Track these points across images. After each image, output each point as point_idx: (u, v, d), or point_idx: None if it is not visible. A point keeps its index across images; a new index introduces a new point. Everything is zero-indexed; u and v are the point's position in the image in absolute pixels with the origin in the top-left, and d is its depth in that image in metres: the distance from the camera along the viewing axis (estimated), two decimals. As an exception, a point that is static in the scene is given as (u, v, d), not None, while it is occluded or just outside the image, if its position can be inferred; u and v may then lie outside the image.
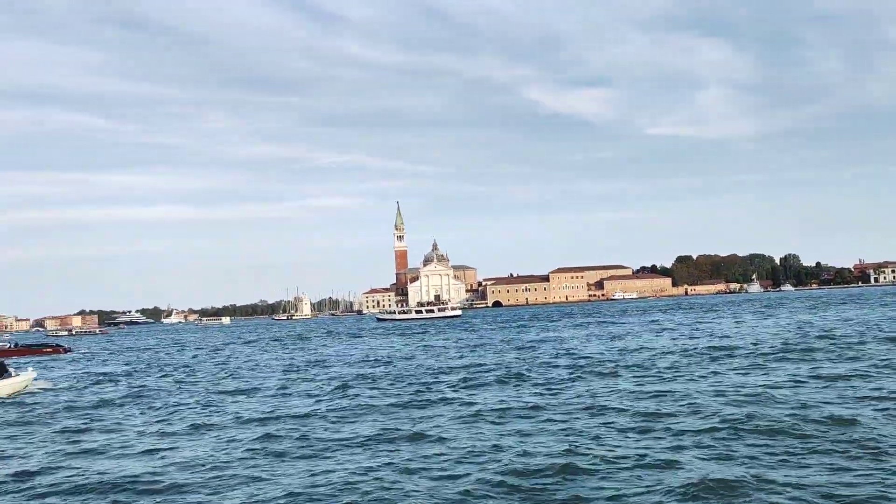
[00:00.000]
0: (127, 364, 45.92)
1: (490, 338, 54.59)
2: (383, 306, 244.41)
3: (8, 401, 26.41)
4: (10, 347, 65.68)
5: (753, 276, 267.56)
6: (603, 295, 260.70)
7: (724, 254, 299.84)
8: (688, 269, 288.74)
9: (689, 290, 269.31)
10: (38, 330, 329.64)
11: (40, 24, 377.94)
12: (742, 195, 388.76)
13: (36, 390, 29.89)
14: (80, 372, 41.67)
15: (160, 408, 23.28)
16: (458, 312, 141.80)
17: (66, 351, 63.99)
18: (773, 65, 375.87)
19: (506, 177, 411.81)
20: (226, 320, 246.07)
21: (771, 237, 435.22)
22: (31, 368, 33.16)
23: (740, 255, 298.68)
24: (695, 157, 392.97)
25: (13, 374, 29.85)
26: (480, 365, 31.86)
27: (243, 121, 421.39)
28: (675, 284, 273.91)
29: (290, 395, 24.82)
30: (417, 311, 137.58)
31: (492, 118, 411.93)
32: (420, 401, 21.32)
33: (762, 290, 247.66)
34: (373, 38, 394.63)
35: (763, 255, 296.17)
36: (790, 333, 39.89)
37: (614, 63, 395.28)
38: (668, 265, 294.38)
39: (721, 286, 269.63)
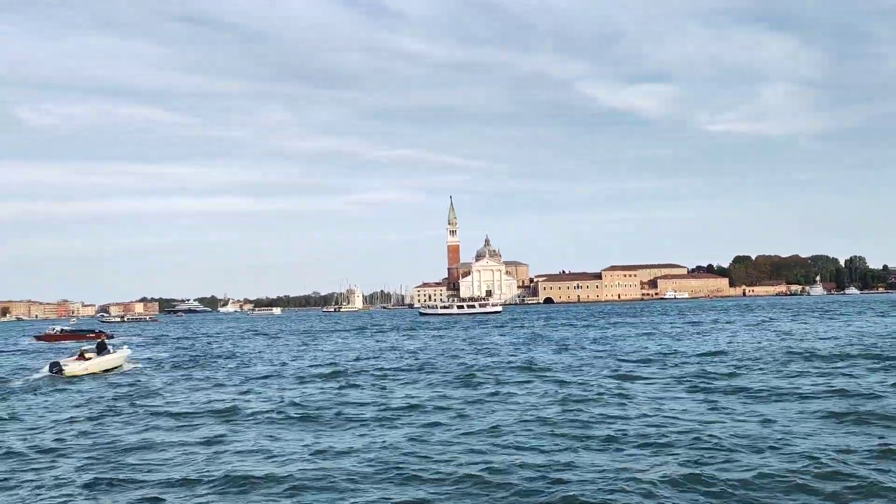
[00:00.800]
0: (167, 353, 46.01)
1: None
2: (434, 300, 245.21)
3: (109, 374, 29.56)
4: (56, 332, 69.36)
5: (817, 278, 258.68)
6: (656, 294, 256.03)
7: (784, 254, 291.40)
8: (746, 270, 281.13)
9: (746, 291, 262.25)
10: (103, 315, 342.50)
11: (111, 19, 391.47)
12: (805, 194, 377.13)
13: (129, 367, 32.39)
14: (164, 354, 43.73)
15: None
16: (500, 308, 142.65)
17: (108, 337, 66.16)
18: (841, 60, 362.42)
19: (559, 173, 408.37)
20: (276, 311, 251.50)
21: (835, 238, 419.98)
22: (125, 347, 36.72)
23: (802, 255, 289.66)
24: (755, 154, 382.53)
25: (111, 351, 32.94)
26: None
27: (300, 114, 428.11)
28: (732, 285, 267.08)
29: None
30: (459, 307, 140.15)
31: (546, 114, 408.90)
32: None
33: (825, 292, 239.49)
34: (428, 33, 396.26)
35: (826, 257, 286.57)
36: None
37: (673, 58, 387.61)
38: (725, 265, 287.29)
39: (781, 288, 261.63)
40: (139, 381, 26.80)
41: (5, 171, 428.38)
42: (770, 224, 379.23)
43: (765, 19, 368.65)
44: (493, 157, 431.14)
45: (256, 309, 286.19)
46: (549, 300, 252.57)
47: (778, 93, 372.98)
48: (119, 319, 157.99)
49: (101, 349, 31.71)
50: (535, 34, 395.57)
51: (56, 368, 28.63)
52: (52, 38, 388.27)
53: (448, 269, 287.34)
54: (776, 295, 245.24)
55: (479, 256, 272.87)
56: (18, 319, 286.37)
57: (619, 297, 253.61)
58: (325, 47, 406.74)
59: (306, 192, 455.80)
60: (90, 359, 29.90)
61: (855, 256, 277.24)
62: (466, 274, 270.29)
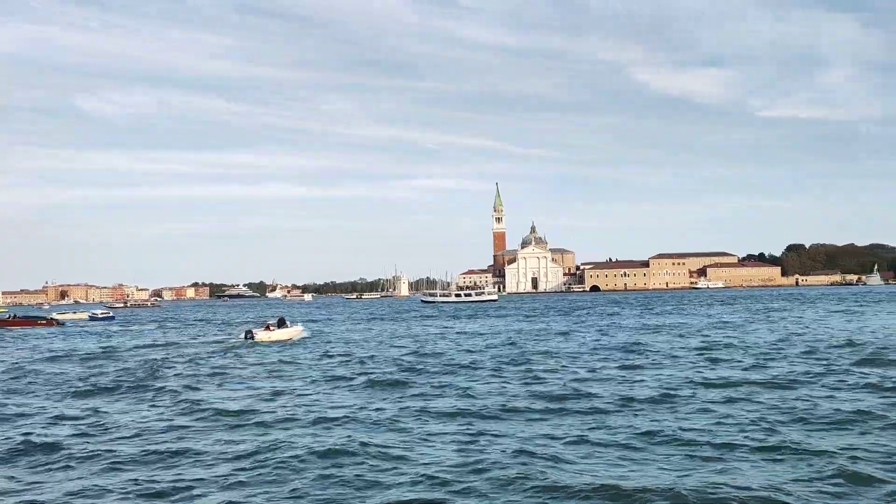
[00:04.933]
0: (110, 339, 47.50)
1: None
2: (480, 287, 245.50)
3: (288, 343, 37.35)
4: (9, 318, 71.44)
5: (874, 268, 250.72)
6: (692, 283, 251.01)
7: (840, 243, 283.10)
8: (799, 259, 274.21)
9: (799, 281, 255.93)
10: (156, 300, 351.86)
11: (178, 11, 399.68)
12: (863, 181, 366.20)
13: (301, 339, 39.94)
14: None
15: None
16: (495, 297, 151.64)
17: (59, 324, 68.50)
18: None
19: (609, 160, 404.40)
20: (308, 297, 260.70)
21: (893, 227, 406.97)
22: (300, 324, 45.01)
23: (858, 244, 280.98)
24: (813, 141, 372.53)
25: (289, 325, 41.32)
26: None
27: (356, 103, 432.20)
28: (784, 274, 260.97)
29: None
30: (457, 295, 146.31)
31: (598, 100, 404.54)
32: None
33: (883, 282, 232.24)
34: (484, 20, 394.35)
35: (884, 245, 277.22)
36: None
37: (729, 42, 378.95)
38: (778, 254, 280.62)
39: (836, 277, 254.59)
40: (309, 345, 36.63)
41: (66, 159, 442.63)
42: (825, 212, 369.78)
43: (825, 1, 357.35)
44: (544, 145, 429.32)
45: (289, 295, 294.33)
46: (595, 288, 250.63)
47: (838, 77, 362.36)
48: (122, 305, 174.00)
49: (282, 324, 40.13)
50: (588, 19, 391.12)
51: (249, 335, 37.46)
52: (113, 28, 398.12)
53: (494, 255, 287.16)
54: (830, 285, 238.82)
55: (524, 243, 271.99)
56: (76, 302, 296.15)
57: (666, 285, 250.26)
58: (384, 36, 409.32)
59: (360, 179, 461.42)
60: (273, 330, 38.29)
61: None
62: (512, 261, 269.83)
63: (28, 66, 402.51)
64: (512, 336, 40.42)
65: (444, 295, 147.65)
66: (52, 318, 71.73)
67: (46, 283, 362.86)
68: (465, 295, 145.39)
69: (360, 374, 23.32)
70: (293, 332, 40.77)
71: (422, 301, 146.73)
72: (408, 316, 77.57)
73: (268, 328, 38.68)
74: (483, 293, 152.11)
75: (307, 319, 66.67)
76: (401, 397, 18.34)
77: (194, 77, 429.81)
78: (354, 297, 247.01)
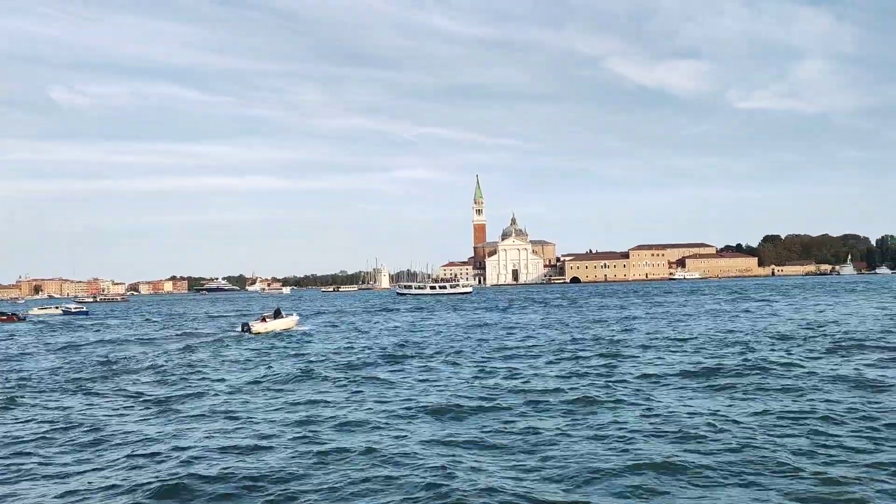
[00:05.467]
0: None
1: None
2: (461, 279, 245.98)
3: (284, 333, 38.36)
4: None
5: (848, 258, 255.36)
6: (671, 274, 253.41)
7: (814, 234, 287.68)
8: (775, 249, 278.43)
9: (775, 271, 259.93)
10: (133, 294, 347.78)
11: (151, 1, 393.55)
12: (837, 172, 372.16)
13: (298, 329, 40.78)
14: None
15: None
16: (470, 290, 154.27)
17: (20, 320, 68.01)
18: (878, 36, 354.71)
19: (588, 152, 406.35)
20: (286, 290, 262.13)
21: (867, 217, 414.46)
22: (294, 314, 45.55)
23: (833, 235, 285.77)
24: (788, 132, 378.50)
25: (284, 315, 41.89)
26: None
27: (332, 94, 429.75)
28: (761, 264, 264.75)
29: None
30: (432, 287, 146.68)
31: (576, 92, 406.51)
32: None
33: (856, 272, 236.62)
34: (460, 11, 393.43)
35: (857, 236, 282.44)
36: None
37: (706, 34, 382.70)
38: (755, 244, 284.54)
39: (811, 267, 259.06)
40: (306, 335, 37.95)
41: (40, 150, 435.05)
42: (800, 203, 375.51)
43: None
44: (523, 136, 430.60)
45: (267, 288, 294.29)
46: (575, 279, 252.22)
47: (813, 69, 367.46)
48: (92, 300, 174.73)
49: (277, 315, 40.85)
50: (564, 10, 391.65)
51: (246, 327, 38.02)
52: (87, 20, 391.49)
53: (474, 247, 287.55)
54: (805, 274, 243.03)
55: (505, 235, 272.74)
56: (50, 297, 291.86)
57: (646, 276, 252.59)
58: (360, 27, 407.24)
59: (337, 171, 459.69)
60: (268, 322, 38.97)
61: (887, 236, 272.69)
62: (493, 253, 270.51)
63: (1, 57, 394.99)
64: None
65: (418, 287, 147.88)
66: (12, 314, 70.54)
67: (20, 277, 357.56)
68: (440, 287, 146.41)
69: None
70: (289, 322, 41.43)
71: (397, 293, 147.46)
72: (372, 309, 76.23)
73: (264, 320, 39.44)
74: (458, 285, 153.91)
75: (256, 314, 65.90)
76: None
77: (169, 68, 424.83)
78: (332, 289, 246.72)
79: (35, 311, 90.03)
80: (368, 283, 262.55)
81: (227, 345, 33.35)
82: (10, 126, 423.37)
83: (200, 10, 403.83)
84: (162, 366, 25.45)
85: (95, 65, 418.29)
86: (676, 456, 10.96)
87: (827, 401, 14.93)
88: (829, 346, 24.53)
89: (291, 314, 44.78)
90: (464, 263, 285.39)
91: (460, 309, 69.63)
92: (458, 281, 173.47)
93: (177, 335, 41.38)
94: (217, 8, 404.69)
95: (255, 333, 37.22)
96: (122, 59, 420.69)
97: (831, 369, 19.18)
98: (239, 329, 39.60)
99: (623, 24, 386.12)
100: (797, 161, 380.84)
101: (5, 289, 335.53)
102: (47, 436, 14.19)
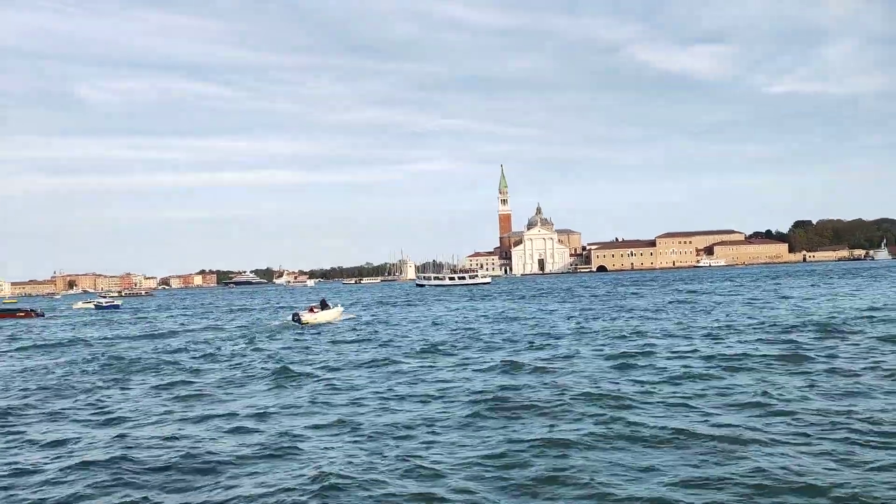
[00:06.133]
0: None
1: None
2: (487, 269, 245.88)
3: (333, 323, 40.31)
4: None
5: (882, 242, 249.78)
6: (697, 262, 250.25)
7: (847, 218, 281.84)
8: (806, 235, 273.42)
9: (807, 257, 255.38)
10: (164, 288, 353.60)
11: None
12: (870, 156, 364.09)
13: (344, 320, 42.74)
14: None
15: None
16: (489, 280, 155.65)
17: (38, 315, 69.28)
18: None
19: (612, 140, 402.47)
20: (311, 283, 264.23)
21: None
22: (340, 305, 47.29)
23: (866, 219, 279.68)
24: (817, 115, 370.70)
25: (331, 306, 43.31)
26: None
27: (350, 86, 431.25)
28: (791, 250, 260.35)
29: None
30: (451, 278, 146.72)
31: (598, 80, 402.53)
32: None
33: (891, 256, 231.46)
34: (477, 0, 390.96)
35: (892, 220, 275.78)
36: None
37: (730, 18, 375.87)
38: (785, 231, 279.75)
39: (844, 252, 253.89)
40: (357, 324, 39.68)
41: (66, 146, 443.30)
42: (832, 187, 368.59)
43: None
44: (545, 125, 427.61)
45: (293, 281, 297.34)
46: (602, 268, 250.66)
47: (840, 51, 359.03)
48: (118, 294, 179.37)
49: (324, 306, 42.26)
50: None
51: (296, 318, 39.30)
52: (107, 16, 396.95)
53: (500, 237, 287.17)
54: (838, 260, 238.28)
55: (530, 225, 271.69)
56: (85, 292, 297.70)
57: (673, 264, 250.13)
58: (376, 18, 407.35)
59: (358, 164, 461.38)
60: (317, 312, 40.34)
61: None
62: (518, 243, 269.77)
63: (25, 55, 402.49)
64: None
65: (437, 278, 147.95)
66: (31, 310, 72.16)
67: (55, 273, 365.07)
68: (459, 278, 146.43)
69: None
70: (335, 312, 43.00)
71: (416, 284, 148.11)
72: (388, 301, 74.80)
73: (311, 310, 40.77)
74: (476, 276, 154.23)
75: (283, 306, 67.18)
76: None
77: (186, 63, 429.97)
78: (353, 282, 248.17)
79: (78, 304, 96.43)
80: (394, 275, 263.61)
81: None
82: (35, 123, 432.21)
83: (219, 5, 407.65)
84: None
85: (117, 61, 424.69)
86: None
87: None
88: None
89: (337, 305, 46.10)
90: (490, 254, 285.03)
91: (484, 298, 69.24)
92: (477, 272, 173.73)
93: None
94: (235, 3, 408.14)
95: (305, 324, 38.29)
96: (142, 55, 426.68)
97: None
98: (290, 319, 40.75)
99: (644, 10, 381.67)
100: (825, 145, 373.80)
101: (41, 284, 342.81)
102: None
